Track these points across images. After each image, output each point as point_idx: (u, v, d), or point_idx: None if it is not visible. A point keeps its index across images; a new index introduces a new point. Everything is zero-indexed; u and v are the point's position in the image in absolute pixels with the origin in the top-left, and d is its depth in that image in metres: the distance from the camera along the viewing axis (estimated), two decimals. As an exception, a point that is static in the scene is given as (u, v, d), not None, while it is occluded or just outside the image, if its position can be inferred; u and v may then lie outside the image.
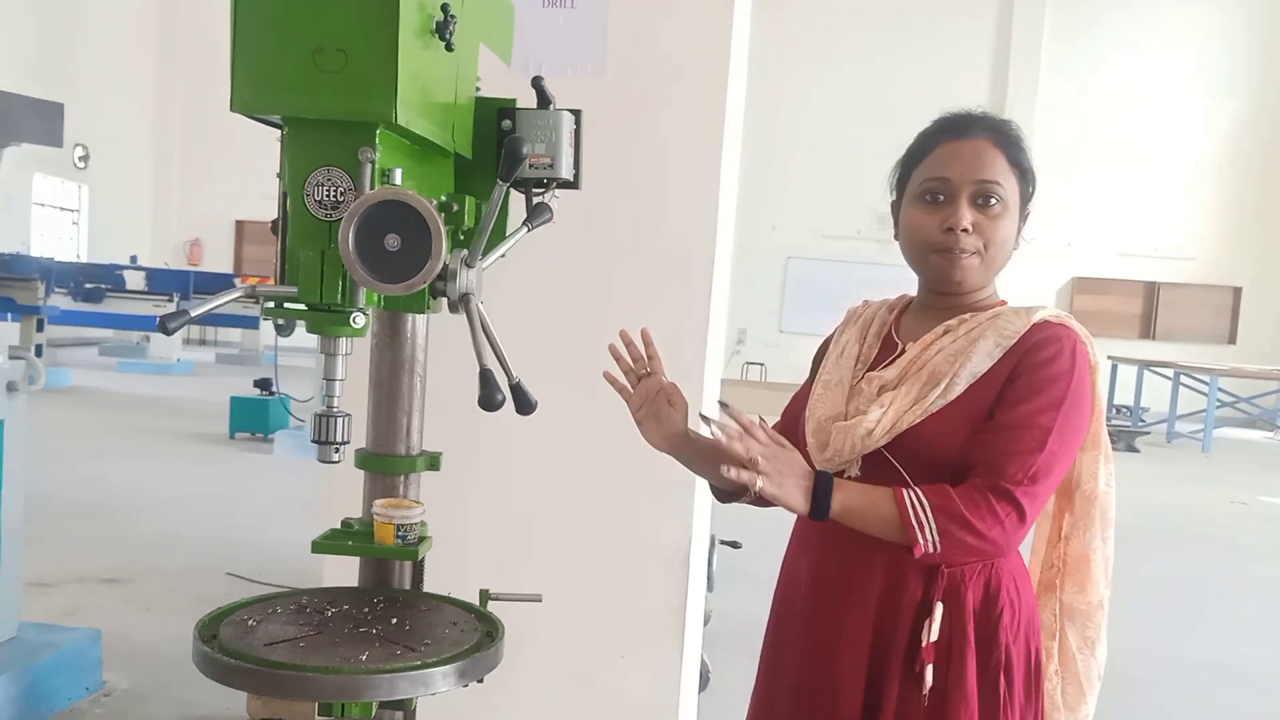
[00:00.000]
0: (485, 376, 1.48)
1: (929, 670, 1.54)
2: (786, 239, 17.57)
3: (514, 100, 1.84)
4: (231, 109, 1.45)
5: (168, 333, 1.44)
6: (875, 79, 16.48)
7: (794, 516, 1.69)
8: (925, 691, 1.54)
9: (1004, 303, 1.68)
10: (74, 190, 18.32)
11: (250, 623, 1.54)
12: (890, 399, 1.58)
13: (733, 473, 1.46)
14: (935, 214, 1.61)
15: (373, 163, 1.45)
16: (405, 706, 1.70)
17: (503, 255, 1.80)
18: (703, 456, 1.80)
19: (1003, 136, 1.63)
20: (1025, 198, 1.65)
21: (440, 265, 1.43)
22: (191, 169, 19.17)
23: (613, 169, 2.48)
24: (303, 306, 1.51)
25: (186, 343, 16.51)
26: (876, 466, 1.59)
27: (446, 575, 1.90)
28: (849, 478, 1.61)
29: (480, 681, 1.56)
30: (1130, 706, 4.23)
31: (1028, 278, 18.23)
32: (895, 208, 1.72)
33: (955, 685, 1.55)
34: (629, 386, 1.89)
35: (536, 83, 1.83)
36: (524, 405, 1.71)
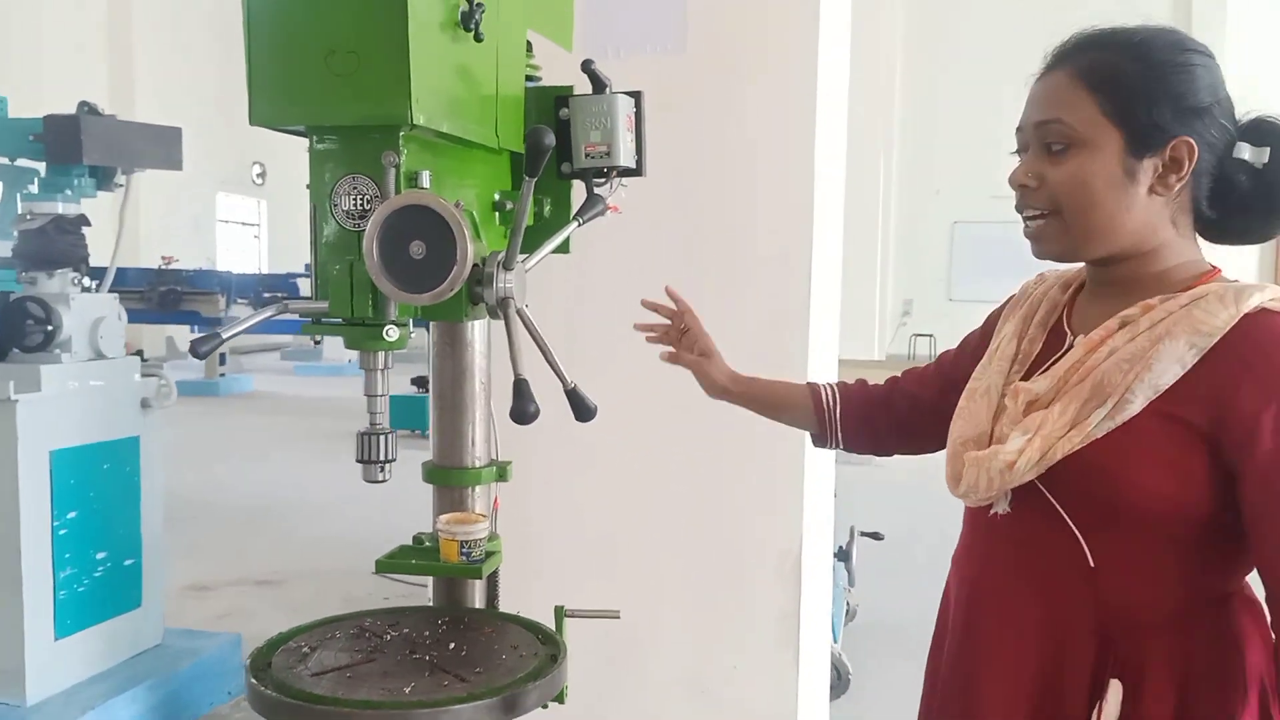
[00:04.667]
0: (519, 387, 1.39)
1: None
2: (952, 203, 16.78)
3: (571, 88, 1.74)
4: (251, 122, 1.40)
5: (199, 357, 1.42)
6: (1038, 17, 15.52)
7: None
8: None
9: (1209, 276, 1.25)
10: (254, 205, 19.39)
11: (304, 650, 1.50)
12: (1039, 421, 1.22)
13: None
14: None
15: (396, 167, 1.38)
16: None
17: (564, 248, 1.70)
18: (762, 401, 1.74)
19: (1089, 57, 1.23)
20: (1140, 134, 1.20)
21: (466, 271, 1.34)
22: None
23: (697, 153, 2.35)
24: (339, 321, 1.46)
25: (358, 345, 17.17)
26: (1028, 500, 1.25)
27: (530, 590, 1.82)
28: (994, 515, 1.30)
29: (561, 702, 1.47)
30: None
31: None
32: None
33: None
34: (674, 350, 1.80)
35: (587, 67, 1.72)
36: (582, 412, 1.61)
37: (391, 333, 1.44)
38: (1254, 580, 1.26)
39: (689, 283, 2.44)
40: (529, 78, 1.75)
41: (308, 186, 1.46)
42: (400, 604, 1.71)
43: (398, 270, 1.35)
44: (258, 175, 19.12)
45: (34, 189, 3.10)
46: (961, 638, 1.37)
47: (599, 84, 1.73)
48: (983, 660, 1.31)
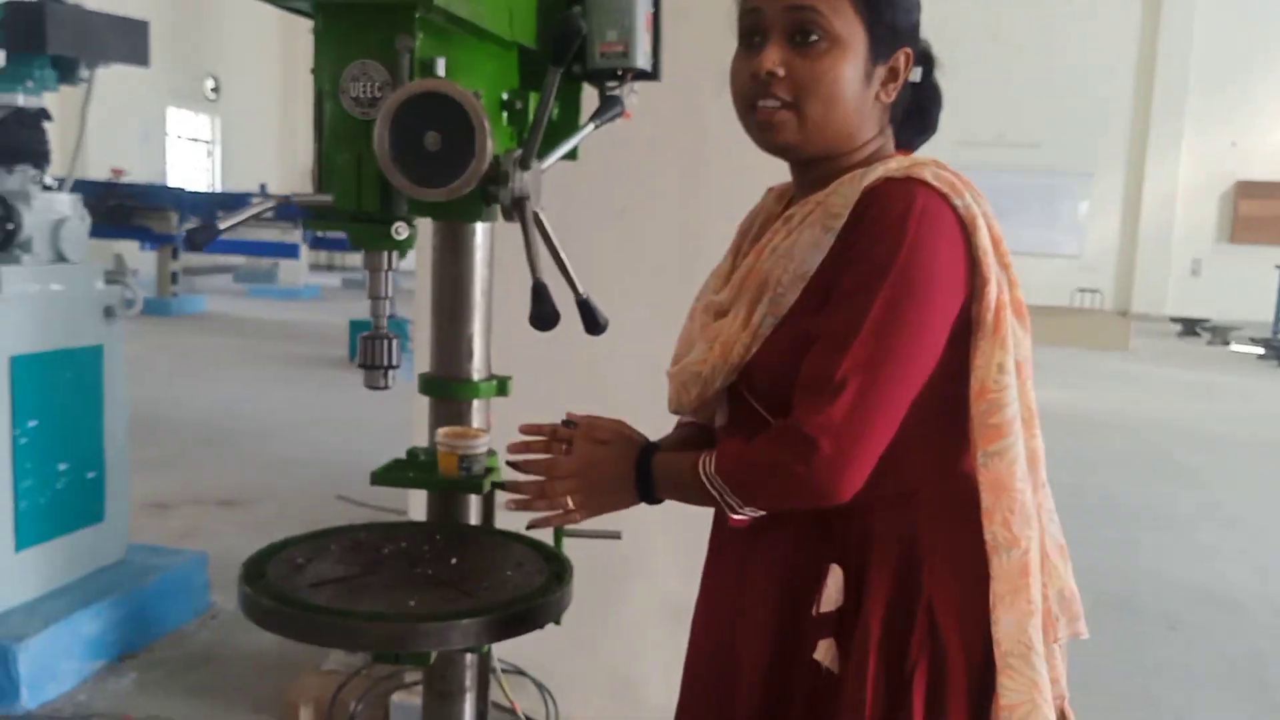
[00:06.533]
0: (538, 291, 1.32)
1: (824, 646, 1.22)
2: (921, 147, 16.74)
3: (583, -17, 1.64)
4: (252, -6, 1.30)
5: (195, 247, 1.33)
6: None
7: None
8: (824, 673, 1.23)
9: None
10: (206, 122, 18.83)
11: (300, 560, 1.43)
12: (718, 329, 1.27)
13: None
14: (749, 60, 1.24)
15: (411, 52, 1.29)
16: (475, 649, 1.59)
17: (573, 154, 1.62)
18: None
19: None
20: (881, 39, 1.21)
21: (486, 165, 1.26)
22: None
23: (708, 61, 2.25)
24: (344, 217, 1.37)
25: (313, 268, 16.88)
26: (739, 406, 1.29)
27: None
28: (720, 425, 1.34)
29: (558, 624, 1.43)
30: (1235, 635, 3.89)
31: (1187, 181, 17.05)
32: None
33: (854, 672, 1.20)
34: None
35: (605, -40, 1.62)
36: (592, 324, 1.54)
37: (401, 230, 1.35)
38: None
39: (688, 201, 2.38)
40: (536, -30, 1.65)
41: (312, 71, 1.36)
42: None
43: (410, 163, 1.27)
44: (211, 90, 18.54)
45: (-9, 80, 2.93)
46: (715, 536, 1.42)
47: (617, -21, 1.64)
48: (728, 553, 1.36)
